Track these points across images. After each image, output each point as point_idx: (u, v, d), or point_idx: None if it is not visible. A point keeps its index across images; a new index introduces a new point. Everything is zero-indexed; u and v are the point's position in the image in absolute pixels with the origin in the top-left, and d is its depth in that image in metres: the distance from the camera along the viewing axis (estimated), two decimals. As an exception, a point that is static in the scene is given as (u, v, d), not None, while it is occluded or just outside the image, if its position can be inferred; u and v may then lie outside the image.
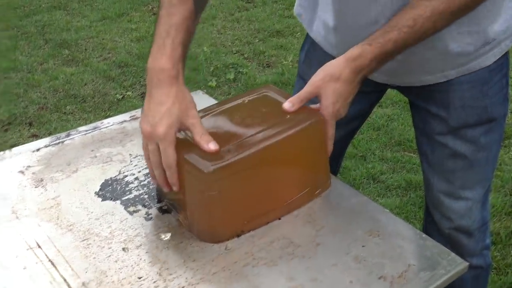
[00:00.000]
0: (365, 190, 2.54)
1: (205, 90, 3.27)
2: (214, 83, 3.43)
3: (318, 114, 1.11)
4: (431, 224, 1.45)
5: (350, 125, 1.42)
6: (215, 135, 1.05)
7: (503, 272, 2.12)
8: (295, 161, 1.10)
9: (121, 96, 3.33)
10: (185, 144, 1.04)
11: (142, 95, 3.34)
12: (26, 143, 2.84)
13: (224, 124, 1.10)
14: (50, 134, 2.97)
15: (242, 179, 1.03)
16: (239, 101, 1.16)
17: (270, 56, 3.74)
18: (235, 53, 3.80)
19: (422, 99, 1.31)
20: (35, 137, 2.96)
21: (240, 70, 3.55)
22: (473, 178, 1.35)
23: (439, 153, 1.33)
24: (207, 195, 1.02)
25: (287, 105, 1.10)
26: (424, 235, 1.08)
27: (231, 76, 3.49)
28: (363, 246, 1.05)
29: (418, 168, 2.66)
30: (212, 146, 1.02)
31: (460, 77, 1.24)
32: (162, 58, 1.04)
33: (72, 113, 3.18)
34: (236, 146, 1.03)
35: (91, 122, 3.10)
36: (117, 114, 3.17)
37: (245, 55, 3.77)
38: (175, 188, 1.05)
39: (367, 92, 1.19)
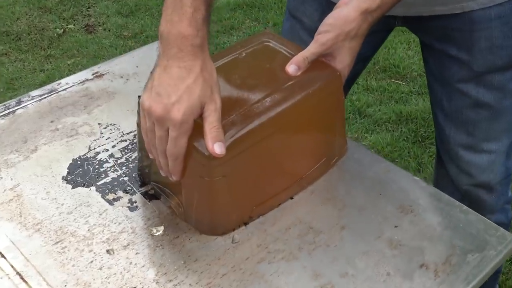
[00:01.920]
0: (352, 127, 2.45)
1: None
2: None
3: (334, 69, 0.98)
4: (445, 178, 1.36)
5: (352, 69, 1.29)
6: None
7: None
8: (310, 127, 0.98)
9: (62, 30, 3.11)
10: None
11: (86, 28, 3.12)
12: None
13: (222, 87, 0.96)
14: (-18, 81, 2.76)
15: (250, 157, 0.91)
16: (235, 54, 1.02)
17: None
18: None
19: (438, 40, 1.19)
20: (-35, 85, 2.74)
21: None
22: (498, 128, 1.25)
23: (458, 103, 1.22)
24: (209, 180, 0.89)
25: (291, 68, 0.96)
26: (464, 207, 0.98)
27: (187, 0, 3.28)
28: (395, 227, 0.95)
29: (408, 97, 2.57)
30: (217, 148, 0.86)
31: (486, 10, 1.11)
32: (182, 21, 0.85)
33: (6, 54, 2.95)
34: (241, 117, 0.90)
35: (29, 64, 2.94)
36: (59, 52, 3.00)
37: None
38: (174, 179, 0.92)
39: (374, 31, 1.06)
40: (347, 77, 1.03)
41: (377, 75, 2.72)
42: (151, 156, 0.92)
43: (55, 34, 3.08)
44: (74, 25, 3.16)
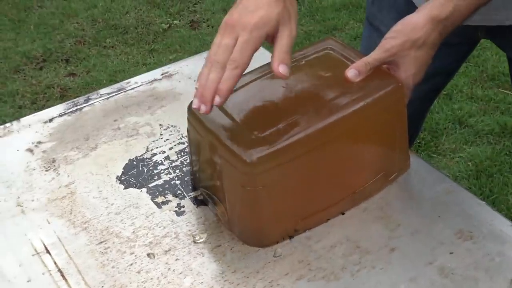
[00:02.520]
0: (450, 137, 2.34)
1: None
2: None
3: (396, 79, 0.93)
4: None
5: (429, 82, 1.22)
6: (261, 110, 0.89)
7: None
8: (366, 139, 0.94)
9: (167, 25, 3.18)
10: (223, 122, 0.89)
11: (191, 24, 3.18)
12: (63, 82, 2.80)
13: (273, 95, 0.94)
14: (88, 72, 2.88)
15: (296, 167, 0.88)
16: (295, 62, 0.99)
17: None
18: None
19: None
20: (73, 75, 2.87)
21: (304, -10, 3.33)
22: None
23: None
24: (251, 190, 0.87)
25: (351, 73, 0.93)
26: (532, 239, 0.90)
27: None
28: (451, 253, 0.89)
29: (515, 109, 2.43)
30: (282, 68, 0.85)
31: None
32: None
33: (112, 47, 3.06)
34: (289, 125, 0.87)
35: (133, 58, 3.03)
36: (162, 47, 3.07)
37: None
38: (218, 101, 0.84)
39: (455, 43, 1.00)
40: (424, 92, 0.98)
41: (483, 84, 2.60)
42: (202, 72, 0.87)
43: (161, 29, 3.16)
44: (179, 20, 3.23)
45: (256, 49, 0.84)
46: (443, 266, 0.87)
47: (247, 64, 0.84)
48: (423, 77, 0.98)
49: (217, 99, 0.84)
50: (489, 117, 2.42)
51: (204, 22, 3.20)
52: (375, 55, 0.94)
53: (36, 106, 2.66)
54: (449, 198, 0.97)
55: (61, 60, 2.97)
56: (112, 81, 2.80)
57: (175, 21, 3.21)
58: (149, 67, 2.87)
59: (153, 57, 2.97)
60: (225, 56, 0.84)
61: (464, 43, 1.19)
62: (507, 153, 2.26)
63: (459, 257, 0.88)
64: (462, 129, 2.38)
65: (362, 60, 0.94)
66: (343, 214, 0.95)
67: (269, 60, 0.88)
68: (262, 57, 0.93)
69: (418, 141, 2.31)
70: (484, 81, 2.60)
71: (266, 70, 0.97)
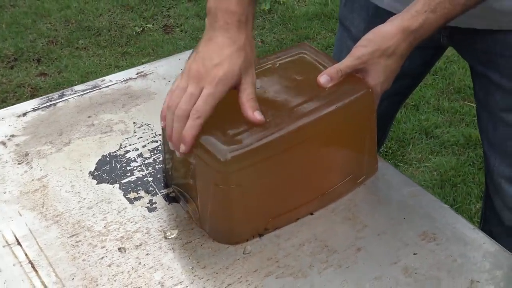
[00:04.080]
0: (416, 147, 2.38)
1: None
2: (246, 15, 3.25)
3: (366, 84, 0.96)
4: (491, 212, 1.29)
5: (396, 83, 1.24)
6: (235, 111, 0.91)
7: None
8: (337, 143, 0.96)
9: (141, 28, 3.18)
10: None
11: (165, 28, 3.19)
12: (34, 82, 2.79)
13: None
14: (60, 72, 2.86)
15: (268, 167, 0.90)
16: (269, 64, 1.01)
17: (312, -17, 3.53)
18: (271, -21, 3.60)
19: (483, 64, 1.14)
20: (44, 75, 2.85)
21: (277, 0, 3.36)
22: None
23: (502, 132, 1.16)
24: (224, 188, 0.89)
25: (323, 79, 0.95)
26: (493, 242, 0.93)
27: (266, 7, 3.30)
28: (414, 254, 0.91)
29: (480, 121, 2.48)
30: (258, 115, 0.89)
31: None
32: (230, 0, 0.91)
33: (85, 48, 3.05)
34: (263, 126, 0.89)
35: (106, 60, 3.02)
36: (135, 50, 3.07)
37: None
38: (183, 148, 0.89)
39: (420, 47, 1.03)
40: (389, 92, 1.01)
41: (450, 96, 2.64)
42: (162, 124, 0.93)
43: (134, 32, 3.15)
44: (153, 24, 3.23)
45: (219, 100, 0.88)
46: (407, 266, 0.89)
47: (209, 115, 0.88)
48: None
49: (182, 147, 0.88)
50: (455, 129, 2.46)
51: (177, 27, 3.20)
52: (347, 62, 0.96)
53: (6, 105, 2.63)
54: (414, 201, 0.99)
55: (33, 59, 2.95)
56: (84, 82, 2.78)
57: (148, 25, 3.21)
58: (122, 70, 2.84)
59: (126, 60, 2.97)
60: (190, 105, 0.88)
61: (430, 47, 1.22)
62: (471, 164, 2.31)
63: (422, 257, 0.91)
64: (428, 140, 2.42)
65: (334, 66, 0.96)
66: (312, 214, 0.97)
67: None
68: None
69: (385, 149, 2.35)
70: (451, 94, 2.65)
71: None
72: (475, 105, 2.55)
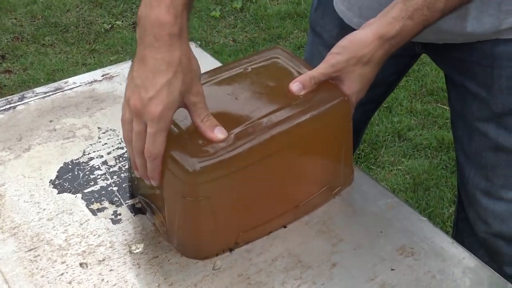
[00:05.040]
0: (389, 150, 2.36)
1: (207, 23, 3.07)
2: (218, 13, 3.20)
3: (343, 92, 0.91)
4: (464, 223, 1.25)
5: (369, 92, 1.21)
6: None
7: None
8: (311, 153, 0.92)
9: (109, 25, 3.11)
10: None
11: (134, 25, 3.12)
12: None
13: (218, 103, 0.90)
14: (25, 69, 2.78)
15: (238, 179, 0.85)
16: (240, 68, 0.96)
17: (284, -19, 3.49)
18: (243, -23, 3.55)
19: (459, 73, 1.11)
20: (9, 72, 2.77)
21: (249, -2, 3.31)
22: None
23: (478, 143, 1.13)
24: (192, 200, 0.84)
25: (295, 87, 0.90)
26: (473, 257, 0.90)
27: (238, 5, 3.25)
28: (392, 270, 0.87)
29: (453, 124, 2.47)
30: (219, 134, 0.84)
31: (509, 46, 1.03)
32: (160, 6, 0.82)
33: (52, 45, 2.97)
34: (232, 137, 0.84)
35: (73, 57, 2.95)
36: (103, 48, 3.00)
37: (255, -20, 3.52)
38: (154, 183, 0.87)
39: (395, 55, 0.99)
40: (363, 101, 0.97)
41: (423, 98, 2.62)
42: (129, 154, 0.88)
43: (102, 29, 3.08)
44: (122, 21, 3.16)
45: (166, 132, 0.82)
46: (385, 283, 0.86)
47: (163, 149, 0.83)
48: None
49: (153, 182, 0.86)
50: (428, 131, 2.44)
51: (147, 24, 3.14)
52: (321, 69, 0.92)
53: (-32, 102, 2.55)
54: (391, 213, 0.96)
55: (-3, 56, 2.87)
56: (50, 80, 2.71)
57: (117, 22, 3.14)
58: (89, 68, 2.79)
59: (94, 57, 2.90)
60: (141, 144, 0.83)
61: (404, 55, 1.18)
62: (444, 167, 2.29)
63: (400, 273, 0.87)
64: (401, 142, 2.40)
65: (307, 74, 0.92)
66: (285, 227, 0.93)
67: (212, 65, 0.85)
68: (205, 60, 0.90)
69: (358, 152, 2.32)
70: (424, 96, 2.63)
71: (211, 77, 0.95)
72: (448, 108, 2.54)
